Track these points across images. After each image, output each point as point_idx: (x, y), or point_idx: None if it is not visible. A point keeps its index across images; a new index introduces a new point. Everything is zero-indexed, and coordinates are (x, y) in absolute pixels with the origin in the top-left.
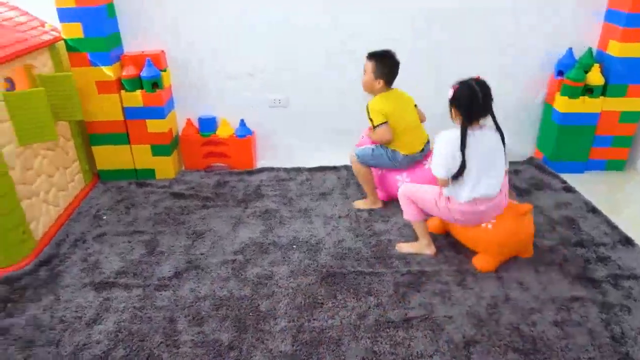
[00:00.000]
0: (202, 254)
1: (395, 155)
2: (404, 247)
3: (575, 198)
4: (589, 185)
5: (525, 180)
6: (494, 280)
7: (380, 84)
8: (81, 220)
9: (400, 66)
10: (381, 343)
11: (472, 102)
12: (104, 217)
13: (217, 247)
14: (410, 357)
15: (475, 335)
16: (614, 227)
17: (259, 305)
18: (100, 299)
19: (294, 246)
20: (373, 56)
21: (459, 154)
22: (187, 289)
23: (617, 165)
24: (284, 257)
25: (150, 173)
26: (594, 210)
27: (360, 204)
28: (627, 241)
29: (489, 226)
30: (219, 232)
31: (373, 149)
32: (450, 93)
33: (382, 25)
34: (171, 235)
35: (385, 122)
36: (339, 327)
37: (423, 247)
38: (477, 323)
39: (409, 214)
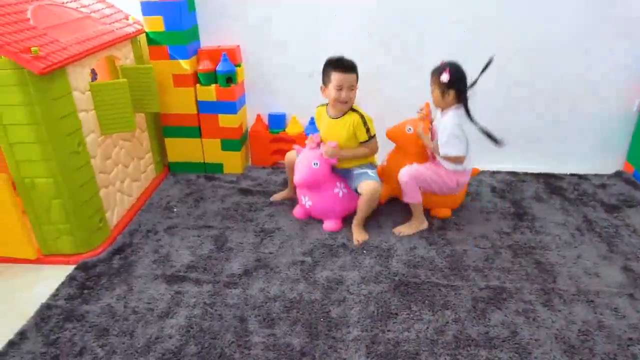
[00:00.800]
0: (270, 253)
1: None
2: (404, 230)
3: None
4: None
5: (615, 195)
6: (584, 304)
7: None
8: (152, 211)
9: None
10: None
11: (466, 80)
12: (175, 210)
13: (285, 247)
14: None
15: None
16: None
17: (330, 311)
18: (171, 292)
19: (364, 251)
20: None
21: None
22: (256, 288)
23: None
24: (354, 262)
25: (219, 167)
26: None
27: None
28: None
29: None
30: (287, 231)
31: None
32: (445, 77)
33: (468, 32)
34: (239, 231)
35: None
36: (415, 341)
37: (419, 224)
38: (568, 349)
39: (414, 197)
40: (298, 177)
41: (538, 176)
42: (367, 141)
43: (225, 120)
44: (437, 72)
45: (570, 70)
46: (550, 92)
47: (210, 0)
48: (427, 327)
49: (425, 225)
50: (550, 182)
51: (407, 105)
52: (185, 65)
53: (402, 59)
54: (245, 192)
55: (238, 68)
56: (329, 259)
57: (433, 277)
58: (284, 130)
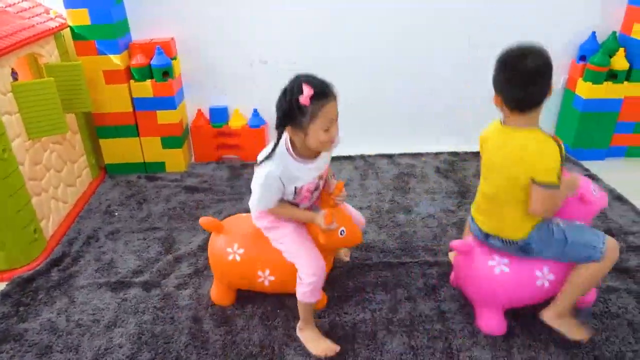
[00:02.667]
0: None
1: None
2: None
3: (599, 186)
4: (611, 173)
5: None
6: None
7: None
8: (92, 217)
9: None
10: (417, 337)
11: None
12: (116, 214)
13: None
14: (449, 351)
15: (515, 328)
16: None
17: (285, 301)
18: (118, 300)
19: None
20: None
21: None
22: (209, 287)
23: (638, 152)
24: None
25: (160, 166)
26: (619, 198)
27: None
28: None
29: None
30: None
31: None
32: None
33: (401, 13)
34: (188, 231)
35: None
36: (371, 321)
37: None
38: (516, 316)
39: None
40: None
41: (477, 154)
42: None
43: (165, 116)
44: None
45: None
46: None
47: None
48: (382, 307)
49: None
50: None
51: None
52: (117, 61)
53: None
54: (191, 189)
55: (174, 61)
56: None
57: (385, 259)
58: (227, 124)
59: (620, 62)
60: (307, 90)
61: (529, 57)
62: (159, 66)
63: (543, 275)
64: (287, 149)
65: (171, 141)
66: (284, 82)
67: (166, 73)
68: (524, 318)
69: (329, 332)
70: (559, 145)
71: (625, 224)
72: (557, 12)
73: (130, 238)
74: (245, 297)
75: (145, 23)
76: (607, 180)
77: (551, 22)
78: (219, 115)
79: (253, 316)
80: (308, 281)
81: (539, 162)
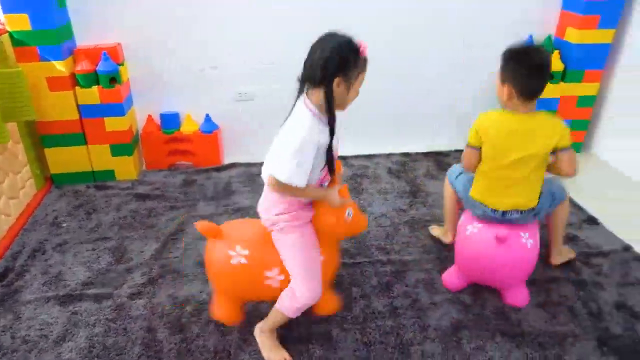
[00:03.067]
0: (176, 257)
1: (466, 189)
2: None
3: None
4: None
5: None
6: None
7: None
8: (37, 229)
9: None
10: (370, 334)
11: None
12: (64, 225)
13: (191, 249)
14: (401, 345)
15: (463, 321)
16: (579, 208)
17: (243, 305)
18: (67, 313)
19: None
20: None
21: None
22: (163, 295)
23: (575, 148)
24: None
25: (110, 175)
26: None
27: (435, 230)
28: (592, 220)
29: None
30: (191, 233)
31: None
32: None
33: (354, 12)
34: (140, 239)
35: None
36: (325, 320)
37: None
38: (463, 308)
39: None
40: None
41: (428, 155)
42: None
43: (113, 123)
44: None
45: (444, 54)
46: (426, 77)
47: None
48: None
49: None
50: (439, 160)
51: None
52: (60, 67)
53: None
54: (142, 197)
55: (121, 67)
56: None
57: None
58: (179, 130)
59: (555, 63)
60: (364, 43)
61: (539, 52)
62: (105, 72)
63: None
64: (311, 111)
65: (120, 149)
66: (235, 86)
67: (113, 79)
68: (472, 310)
69: (284, 334)
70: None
71: None
72: (496, 16)
73: (79, 249)
74: (202, 302)
75: (91, 28)
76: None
77: (490, 25)
78: (170, 121)
79: (209, 322)
80: (302, 302)
81: (564, 131)
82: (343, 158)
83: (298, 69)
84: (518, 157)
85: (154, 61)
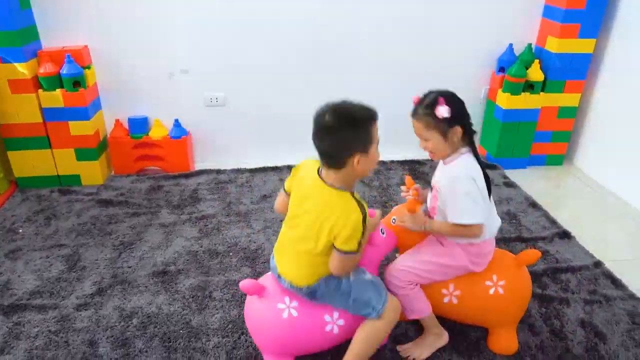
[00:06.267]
0: (129, 267)
1: None
2: (418, 351)
3: (517, 193)
4: (530, 181)
5: None
6: None
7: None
8: None
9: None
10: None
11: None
12: (20, 231)
13: (147, 258)
14: None
15: None
16: (552, 221)
17: (190, 320)
18: (9, 324)
19: (231, 254)
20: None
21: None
22: (110, 307)
23: (556, 160)
24: (220, 266)
25: (76, 179)
26: (534, 204)
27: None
28: (565, 234)
29: (500, 290)
30: (149, 241)
31: None
32: (444, 110)
33: (327, 13)
34: (96, 247)
35: None
36: None
37: (437, 339)
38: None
39: (419, 309)
40: None
41: (403, 163)
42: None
43: (77, 127)
44: (427, 108)
45: (423, 61)
46: (405, 83)
47: None
48: None
49: (445, 338)
50: (415, 168)
51: None
52: (22, 69)
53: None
54: (105, 203)
55: (87, 70)
56: (192, 267)
57: None
58: (147, 135)
59: (535, 73)
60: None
61: (327, 113)
62: (69, 75)
63: (332, 320)
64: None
65: (86, 153)
66: (206, 91)
67: (77, 82)
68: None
69: (229, 353)
70: (364, 212)
71: (536, 230)
72: (476, 23)
73: (31, 257)
74: (149, 315)
75: (57, 30)
76: (526, 188)
77: (471, 33)
78: (139, 125)
79: (153, 337)
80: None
81: (342, 229)
82: None
83: (272, 75)
84: (301, 222)
85: (122, 64)
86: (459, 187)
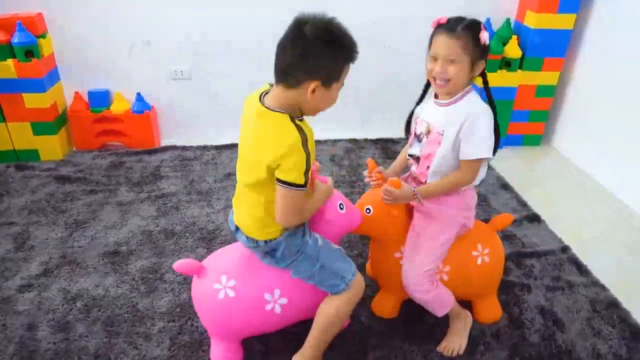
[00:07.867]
0: (80, 247)
1: None
2: (455, 343)
3: (489, 174)
4: (505, 162)
5: None
6: None
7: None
8: None
9: None
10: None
11: None
12: None
13: (99, 239)
14: None
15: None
16: (523, 204)
17: (137, 304)
18: None
19: (187, 234)
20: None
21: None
22: (55, 289)
23: (534, 141)
24: (174, 247)
25: (34, 154)
26: (505, 186)
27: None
28: (535, 218)
29: (486, 259)
30: (104, 220)
31: None
32: (487, 36)
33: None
34: (47, 226)
35: None
36: None
37: (467, 320)
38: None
39: (448, 300)
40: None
41: (376, 142)
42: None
43: (32, 100)
44: (468, 29)
45: (397, 36)
46: (382, 60)
47: None
48: None
49: (470, 317)
50: (388, 147)
51: None
52: None
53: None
54: (62, 180)
55: (42, 39)
56: (145, 247)
57: None
58: (108, 109)
59: (513, 49)
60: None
61: (310, 24)
62: (20, 44)
63: (274, 298)
64: None
65: (43, 127)
66: (170, 64)
67: (30, 52)
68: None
69: (174, 339)
70: (304, 137)
71: (505, 212)
72: None
73: None
74: (95, 298)
75: None
76: (499, 169)
77: (447, 5)
78: (99, 99)
79: (96, 321)
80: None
81: (282, 157)
82: None
83: (239, 48)
84: (247, 161)
85: (81, 34)
86: (483, 121)
